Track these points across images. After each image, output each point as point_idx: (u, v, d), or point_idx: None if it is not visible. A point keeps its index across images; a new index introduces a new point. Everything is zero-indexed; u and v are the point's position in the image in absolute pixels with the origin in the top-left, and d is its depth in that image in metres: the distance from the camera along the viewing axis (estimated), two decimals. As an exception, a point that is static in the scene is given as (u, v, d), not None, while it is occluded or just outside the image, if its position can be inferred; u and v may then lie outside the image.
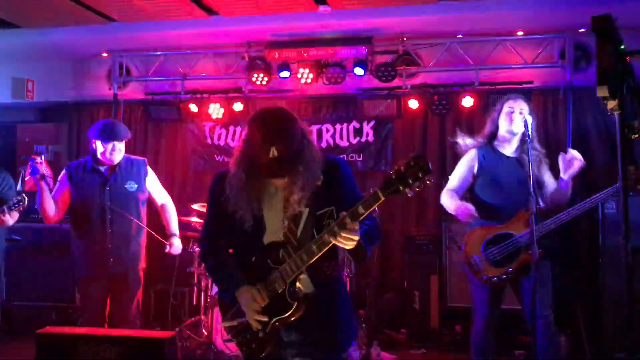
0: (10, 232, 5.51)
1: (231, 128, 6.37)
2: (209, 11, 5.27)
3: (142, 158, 4.17)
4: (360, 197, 2.23)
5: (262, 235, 2.25)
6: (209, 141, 6.41)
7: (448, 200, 3.65)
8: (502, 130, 3.57)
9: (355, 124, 6.06)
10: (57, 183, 4.01)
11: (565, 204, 3.49)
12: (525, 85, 5.43)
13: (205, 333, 4.78)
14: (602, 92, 2.29)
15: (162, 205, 4.20)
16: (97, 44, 6.01)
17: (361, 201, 2.02)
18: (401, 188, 1.94)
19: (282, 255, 2.20)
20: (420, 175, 1.92)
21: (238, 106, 6.06)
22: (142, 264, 4.03)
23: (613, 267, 4.50)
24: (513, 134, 3.53)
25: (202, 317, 4.95)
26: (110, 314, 3.93)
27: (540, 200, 3.47)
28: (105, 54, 6.30)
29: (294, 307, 2.18)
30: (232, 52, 6.01)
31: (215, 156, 6.40)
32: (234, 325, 2.32)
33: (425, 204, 5.91)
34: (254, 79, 5.78)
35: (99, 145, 3.89)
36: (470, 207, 3.48)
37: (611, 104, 2.43)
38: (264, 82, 5.80)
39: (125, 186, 3.92)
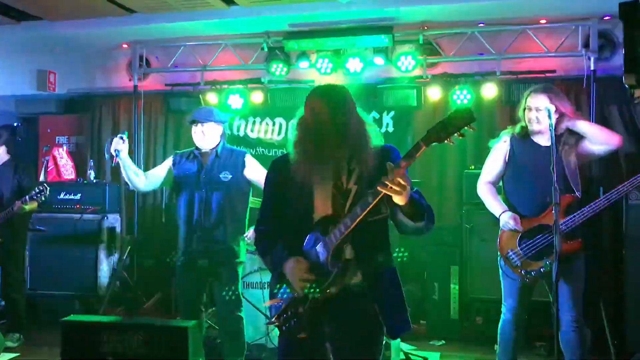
0: (35, 222, 5.62)
1: (250, 119, 6.38)
2: (228, 2, 5.26)
3: (242, 150, 4.08)
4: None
5: (312, 213, 2.29)
6: (228, 132, 6.43)
7: (489, 198, 3.57)
8: (529, 125, 3.48)
9: (375, 114, 6.03)
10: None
11: None
12: (547, 75, 5.35)
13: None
14: (629, 79, 2.26)
15: None
16: (117, 35, 6.04)
17: (404, 154, 2.06)
18: (442, 136, 1.97)
19: (330, 229, 2.22)
20: (460, 123, 1.94)
21: (257, 97, 6.06)
22: (232, 255, 3.89)
23: (637, 259, 4.44)
24: (536, 131, 3.44)
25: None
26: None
27: (575, 189, 3.37)
28: (125, 46, 6.33)
29: (333, 275, 2.18)
30: (251, 42, 6.01)
31: (235, 147, 6.40)
32: (276, 303, 2.33)
33: (446, 195, 5.88)
34: (273, 70, 5.77)
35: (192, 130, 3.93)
36: (516, 222, 3.38)
37: (638, 92, 2.39)
38: (283, 73, 5.79)
39: (220, 176, 3.87)
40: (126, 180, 3.98)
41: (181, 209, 3.91)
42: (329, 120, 2.19)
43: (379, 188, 2.05)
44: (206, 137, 3.88)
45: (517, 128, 3.54)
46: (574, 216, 3.29)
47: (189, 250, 3.86)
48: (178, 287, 4.14)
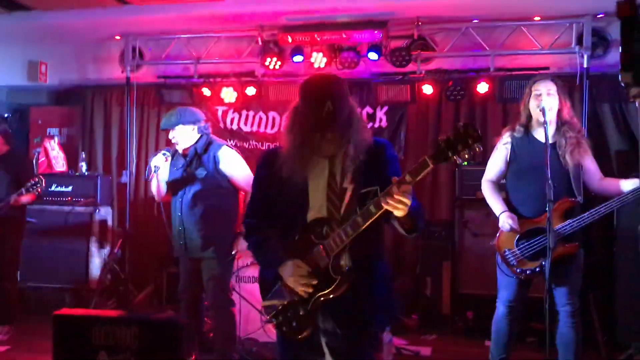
0: (26, 214, 5.56)
1: (244, 112, 6.37)
2: (223, -6, 5.23)
3: (220, 142, 4.07)
4: None
5: (305, 212, 2.26)
6: (222, 125, 6.41)
7: (491, 197, 3.56)
8: (534, 115, 3.44)
9: (368, 109, 6.03)
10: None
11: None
12: (541, 72, 5.34)
13: (218, 316, 4.80)
14: (626, 78, 2.26)
15: (244, 194, 4.07)
16: (110, 26, 5.99)
17: (409, 170, 2.04)
18: (450, 155, 1.97)
19: (325, 232, 2.20)
20: (469, 142, 1.95)
21: (251, 90, 6.04)
22: (221, 251, 3.92)
23: (627, 254, 4.48)
24: (545, 117, 3.37)
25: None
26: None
27: (577, 193, 3.35)
28: (118, 37, 6.28)
29: (337, 281, 2.17)
30: (246, 35, 5.97)
31: (228, 140, 6.34)
32: (274, 304, 2.31)
33: (439, 190, 5.89)
34: (267, 63, 5.74)
35: None
36: (514, 222, 3.38)
37: (634, 91, 2.39)
38: (277, 67, 5.76)
39: (196, 172, 3.91)
40: (154, 193, 4.05)
41: (172, 206, 4.01)
42: (322, 109, 2.16)
43: (382, 203, 2.05)
44: (180, 140, 3.95)
45: (518, 126, 3.52)
46: (573, 222, 3.26)
47: (179, 248, 3.96)
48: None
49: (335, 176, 2.24)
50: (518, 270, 3.40)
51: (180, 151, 4.01)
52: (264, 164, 2.39)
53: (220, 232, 3.93)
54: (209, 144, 3.98)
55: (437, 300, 5.32)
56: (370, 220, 2.09)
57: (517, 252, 3.40)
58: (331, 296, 2.19)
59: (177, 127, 3.92)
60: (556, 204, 3.22)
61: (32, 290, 5.74)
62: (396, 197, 2.00)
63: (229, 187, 3.99)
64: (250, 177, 3.95)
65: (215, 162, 3.91)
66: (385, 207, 2.04)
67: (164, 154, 3.95)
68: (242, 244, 3.92)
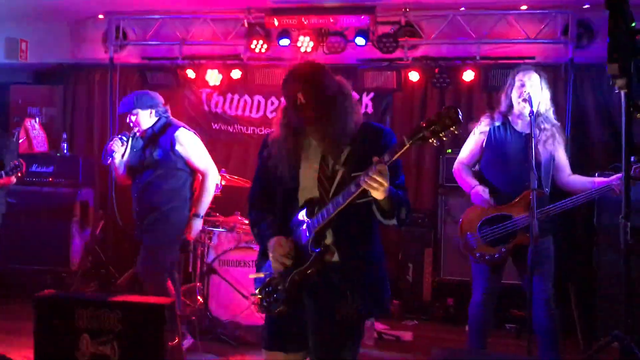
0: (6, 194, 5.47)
1: (229, 96, 6.30)
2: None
3: (178, 124, 4.09)
4: (398, 167, 2.28)
5: (298, 194, 2.31)
6: (206, 108, 6.35)
7: (462, 176, 3.62)
8: (515, 105, 3.46)
9: (354, 95, 5.99)
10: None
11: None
12: (527, 61, 5.37)
13: (201, 300, 4.80)
14: (613, 69, 2.27)
15: (199, 177, 4.12)
16: (93, 5, 5.88)
17: (388, 150, 2.05)
18: (427, 135, 1.97)
19: (316, 211, 2.23)
20: (447, 123, 1.95)
21: (236, 73, 5.99)
22: (169, 228, 3.98)
23: (607, 247, 4.54)
24: (531, 106, 3.35)
25: (198, 284, 4.96)
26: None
27: (545, 185, 3.39)
28: (101, 16, 6.17)
29: (312, 258, 2.20)
30: (232, 17, 5.91)
31: (212, 124, 6.35)
32: (260, 277, 2.38)
33: (422, 177, 5.92)
34: (253, 46, 5.69)
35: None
36: (485, 193, 3.43)
37: (620, 82, 2.42)
38: (263, 50, 5.71)
39: (153, 154, 3.96)
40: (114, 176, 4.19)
41: (131, 189, 4.10)
42: (294, 103, 2.18)
43: (354, 186, 2.08)
44: (138, 124, 4.02)
45: (497, 114, 3.54)
46: (537, 212, 3.26)
47: (137, 229, 4.06)
48: None
49: (328, 159, 2.25)
50: (477, 255, 3.46)
51: (138, 134, 4.06)
52: (263, 148, 2.43)
53: (173, 213, 4.00)
54: (166, 126, 4.04)
55: (419, 286, 5.38)
56: (349, 199, 2.11)
57: (479, 236, 3.45)
58: (308, 272, 2.22)
59: (134, 112, 3.99)
60: (523, 193, 3.30)
61: (13, 272, 5.67)
62: (371, 174, 2.01)
63: (185, 168, 4.04)
64: (207, 160, 4.10)
65: (172, 144, 3.97)
66: (363, 186, 2.05)
67: (120, 139, 4.00)
68: (197, 226, 4.03)
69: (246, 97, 6.26)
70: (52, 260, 5.62)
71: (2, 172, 4.51)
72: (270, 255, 2.28)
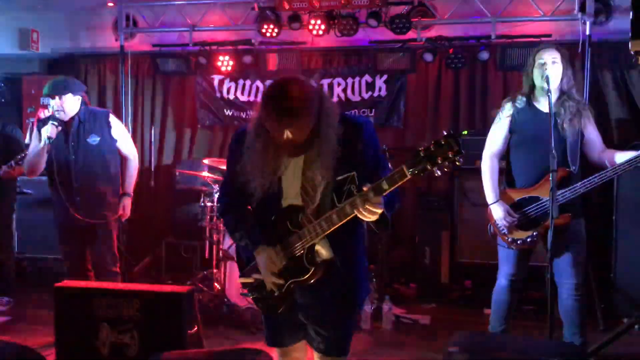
0: (21, 185, 5.53)
1: (240, 81, 6.26)
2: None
3: (105, 110, 4.28)
4: (382, 160, 2.22)
5: (280, 198, 2.22)
6: (218, 95, 6.32)
7: (488, 180, 3.50)
8: (538, 84, 3.39)
9: (367, 77, 5.95)
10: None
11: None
12: (543, 39, 5.28)
13: (218, 287, 4.82)
14: (636, 46, 2.22)
15: (124, 159, 4.24)
16: (102, -8, 5.86)
17: (386, 177, 1.96)
18: (429, 167, 1.87)
19: (301, 219, 2.16)
20: (450, 155, 1.85)
21: (248, 59, 5.94)
22: (113, 215, 4.13)
23: (627, 223, 4.48)
24: (548, 85, 3.28)
25: (215, 270, 4.98)
26: (92, 265, 4.16)
27: (572, 163, 3.32)
28: (111, 4, 6.13)
29: (311, 271, 2.17)
30: (242, 2, 5.84)
31: (225, 110, 6.32)
32: (250, 282, 2.34)
33: (437, 160, 5.84)
34: (263, 31, 5.63)
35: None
36: (502, 213, 3.38)
37: (643, 59, 2.35)
38: (274, 34, 5.65)
39: (88, 140, 4.00)
40: (30, 164, 4.06)
41: (55, 177, 4.01)
42: (281, 136, 2.02)
43: (349, 207, 2.02)
44: (66, 108, 3.98)
45: (519, 95, 3.47)
46: (565, 191, 3.25)
47: (70, 215, 3.97)
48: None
49: (311, 165, 2.12)
50: (509, 240, 3.41)
51: (62, 120, 3.99)
52: (236, 144, 2.26)
53: (111, 196, 4.13)
54: (93, 112, 4.11)
55: (436, 269, 5.34)
56: (344, 220, 2.06)
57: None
58: (304, 284, 2.20)
59: (65, 96, 3.95)
60: (549, 174, 3.18)
61: (30, 261, 5.73)
62: (367, 207, 1.97)
63: (116, 150, 4.17)
64: (131, 144, 4.25)
65: (109, 127, 4.08)
66: (358, 215, 2.01)
67: (53, 124, 3.88)
68: (127, 205, 4.17)
69: (258, 82, 6.22)
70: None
71: (12, 162, 4.54)
72: (262, 267, 2.24)
